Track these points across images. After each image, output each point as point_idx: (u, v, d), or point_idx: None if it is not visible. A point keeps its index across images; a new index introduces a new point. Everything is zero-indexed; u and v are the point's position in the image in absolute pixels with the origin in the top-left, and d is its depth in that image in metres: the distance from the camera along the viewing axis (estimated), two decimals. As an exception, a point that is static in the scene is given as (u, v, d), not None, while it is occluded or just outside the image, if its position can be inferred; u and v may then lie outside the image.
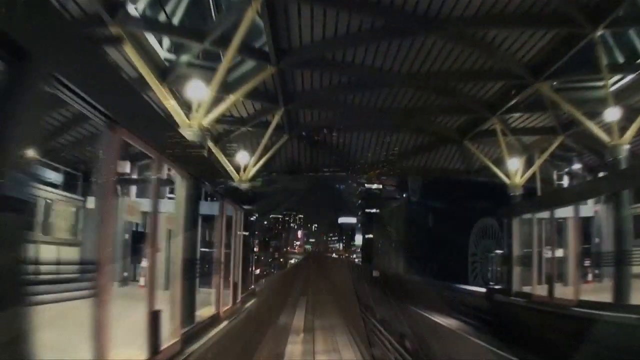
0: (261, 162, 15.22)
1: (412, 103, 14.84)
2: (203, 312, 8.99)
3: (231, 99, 9.94)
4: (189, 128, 8.92)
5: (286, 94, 13.24)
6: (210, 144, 15.19)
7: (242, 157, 14.46)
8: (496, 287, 17.51)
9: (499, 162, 17.68)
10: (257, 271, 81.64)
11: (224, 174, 11.24)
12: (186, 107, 10.43)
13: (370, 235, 75.98)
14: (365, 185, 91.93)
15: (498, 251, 17.15)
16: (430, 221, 46.75)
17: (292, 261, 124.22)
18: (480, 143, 17.71)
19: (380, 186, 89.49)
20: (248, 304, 12.45)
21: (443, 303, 18.87)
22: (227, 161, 15.12)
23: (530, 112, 15.60)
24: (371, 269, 20.64)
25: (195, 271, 8.23)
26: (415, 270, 42.21)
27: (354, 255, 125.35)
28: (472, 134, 16.78)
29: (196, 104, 9.14)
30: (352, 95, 14.06)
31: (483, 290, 18.69)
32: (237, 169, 14.77)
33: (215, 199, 10.84)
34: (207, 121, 9.46)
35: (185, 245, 8.46)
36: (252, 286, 14.77)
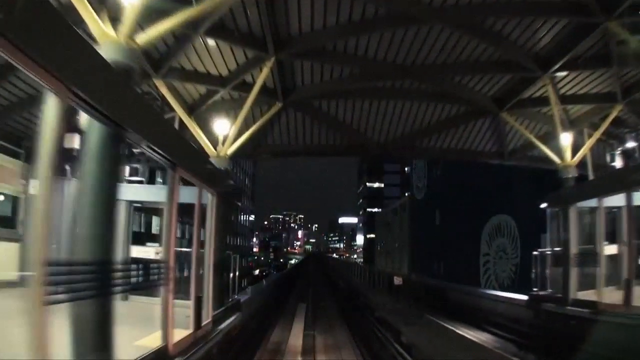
0: (246, 135, 11.46)
1: (443, 57, 11.12)
2: (136, 346, 5.36)
3: (192, 10, 6.22)
4: (111, 43, 5.24)
5: (277, 34, 9.47)
6: (182, 113, 11.48)
7: (221, 126, 10.71)
8: (541, 293, 13.79)
9: (543, 140, 13.97)
10: (256, 272, 79.12)
11: (188, 143, 7.58)
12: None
13: (372, 236, 72.76)
14: (367, 183, 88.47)
15: (544, 250, 13.41)
16: (438, 219, 43.62)
17: (293, 261, 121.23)
18: (520, 116, 13.98)
19: (382, 185, 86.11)
20: (225, 324, 8.68)
21: (471, 313, 15.30)
22: (202, 135, 11.37)
23: (590, 69, 11.87)
24: (387, 274, 16.80)
25: (112, 279, 4.60)
26: (420, 271, 39.05)
27: (355, 256, 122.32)
28: (512, 103, 13.03)
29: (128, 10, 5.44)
30: (367, 39, 10.17)
31: (518, 296, 15.06)
32: (215, 144, 11.02)
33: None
34: (144, 38, 5.77)
35: (79, 234, 4.76)
36: (235, 296, 11.00)
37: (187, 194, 7.80)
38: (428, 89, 12.79)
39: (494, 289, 29.31)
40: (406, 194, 55.99)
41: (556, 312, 11.90)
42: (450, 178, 41.01)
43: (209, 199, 8.35)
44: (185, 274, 7.34)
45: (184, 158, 6.51)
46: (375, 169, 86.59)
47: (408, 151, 15.32)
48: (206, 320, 7.64)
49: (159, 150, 5.69)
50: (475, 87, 12.79)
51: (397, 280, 12.48)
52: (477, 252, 33.84)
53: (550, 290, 13.22)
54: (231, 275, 10.40)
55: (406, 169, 66.24)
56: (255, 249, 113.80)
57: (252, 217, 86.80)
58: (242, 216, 71.19)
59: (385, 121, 13.94)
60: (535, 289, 14.21)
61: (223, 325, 8.51)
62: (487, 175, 31.46)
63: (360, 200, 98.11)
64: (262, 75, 10.18)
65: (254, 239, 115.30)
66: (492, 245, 33.05)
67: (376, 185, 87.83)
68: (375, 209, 77.08)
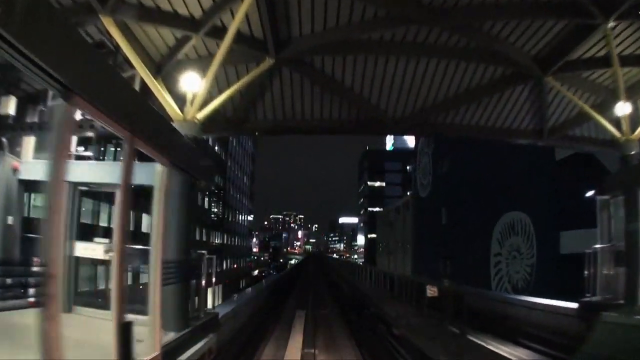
0: (226, 94, 8.60)
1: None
2: None
3: None
4: None
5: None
6: (143, 70, 8.68)
7: (189, 81, 7.86)
8: (594, 299, 10.98)
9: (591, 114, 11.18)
10: (255, 272, 76.64)
11: (104, 61, 4.86)
12: None
13: (374, 235, 70.21)
14: (368, 182, 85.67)
15: (600, 246, 10.61)
16: (444, 218, 41.03)
17: (292, 262, 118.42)
18: (565, 82, 11.21)
19: (383, 184, 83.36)
20: (188, 354, 5.85)
21: (500, 323, 12.50)
22: (166, 96, 8.53)
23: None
24: (406, 279, 13.90)
25: None
26: (425, 272, 36.48)
27: (355, 256, 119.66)
28: (559, 65, 10.24)
29: None
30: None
31: (561, 304, 12.24)
32: (184, 106, 8.17)
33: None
34: None
35: None
36: (213, 309, 8.17)
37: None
38: (459, 43, 9.98)
39: (507, 291, 26.69)
40: (408, 193, 53.57)
41: (619, 323, 9.21)
42: (458, 174, 38.36)
43: (157, 171, 5.56)
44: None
45: (91, 82, 3.66)
46: (376, 167, 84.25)
47: (428, 128, 12.47)
48: (150, 354, 4.87)
49: (25, 51, 2.84)
50: (517, 42, 9.99)
51: (431, 291, 9.54)
52: (487, 252, 31.17)
53: (607, 296, 10.47)
54: (204, 282, 7.63)
55: (408, 167, 63.73)
56: (255, 249, 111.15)
57: (251, 217, 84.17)
58: (240, 215, 68.32)
59: (404, 89, 11.07)
60: (588, 295, 11.34)
61: (184, 357, 5.73)
62: (499, 170, 28.86)
63: (361, 200, 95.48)
64: (245, 5, 7.33)
65: (254, 239, 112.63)
66: (505, 245, 30.35)
67: (377, 184, 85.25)
68: (377, 209, 74.53)
